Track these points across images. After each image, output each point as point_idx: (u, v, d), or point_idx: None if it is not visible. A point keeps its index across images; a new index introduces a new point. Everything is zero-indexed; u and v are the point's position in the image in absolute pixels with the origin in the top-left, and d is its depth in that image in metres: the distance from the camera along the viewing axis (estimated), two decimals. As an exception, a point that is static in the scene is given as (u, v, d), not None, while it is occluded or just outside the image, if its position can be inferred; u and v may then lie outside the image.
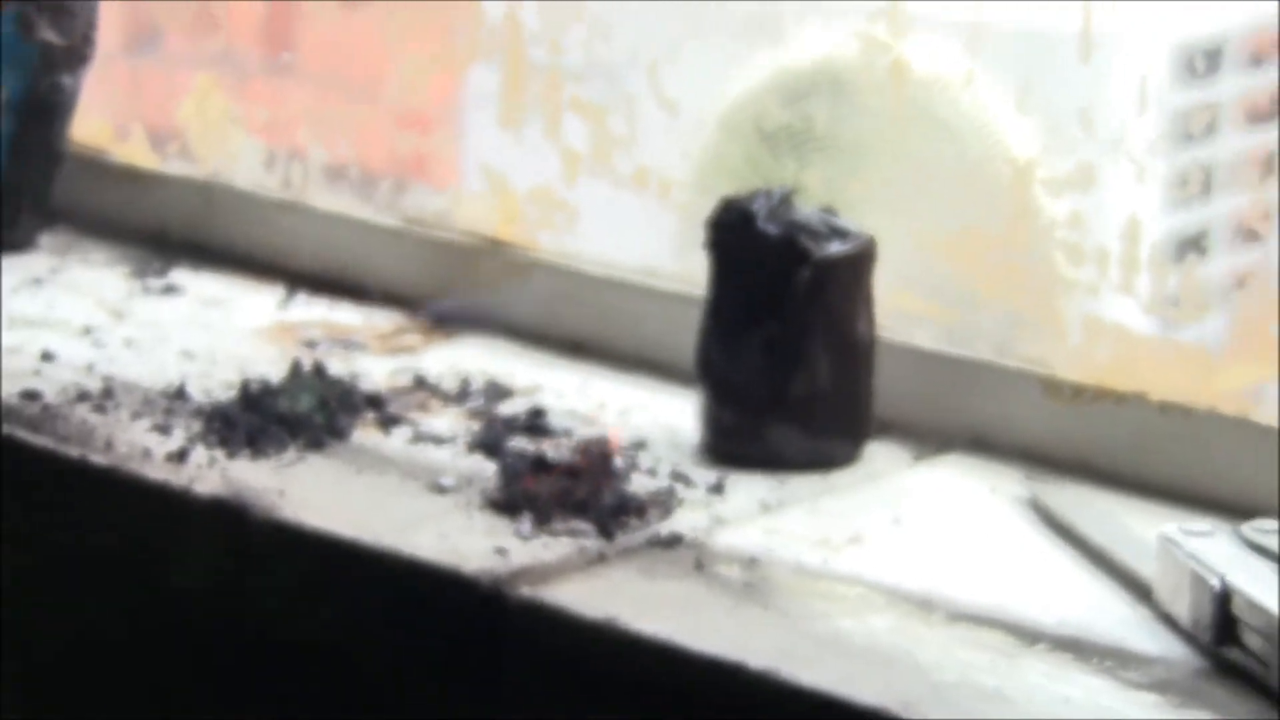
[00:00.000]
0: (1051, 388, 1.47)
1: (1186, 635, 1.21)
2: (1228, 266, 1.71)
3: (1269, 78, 1.82)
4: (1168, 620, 1.23)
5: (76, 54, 1.85)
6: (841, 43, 1.76)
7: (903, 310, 1.53)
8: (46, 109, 1.85)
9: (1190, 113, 1.75)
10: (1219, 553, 1.20)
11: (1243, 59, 1.81)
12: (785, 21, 1.84)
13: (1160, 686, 1.17)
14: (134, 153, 1.92)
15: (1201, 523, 1.24)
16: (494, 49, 1.82)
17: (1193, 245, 1.67)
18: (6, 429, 1.50)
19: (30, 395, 1.54)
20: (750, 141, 1.90)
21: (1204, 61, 1.77)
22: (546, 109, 1.78)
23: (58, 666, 1.54)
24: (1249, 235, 1.68)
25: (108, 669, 1.51)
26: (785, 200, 1.48)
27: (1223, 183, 1.72)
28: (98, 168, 1.91)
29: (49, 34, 1.84)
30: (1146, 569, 1.26)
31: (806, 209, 1.48)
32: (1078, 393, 1.46)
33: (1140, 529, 1.31)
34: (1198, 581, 1.19)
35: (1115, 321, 1.52)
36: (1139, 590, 1.26)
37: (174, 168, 1.91)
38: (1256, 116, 1.79)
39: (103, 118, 1.92)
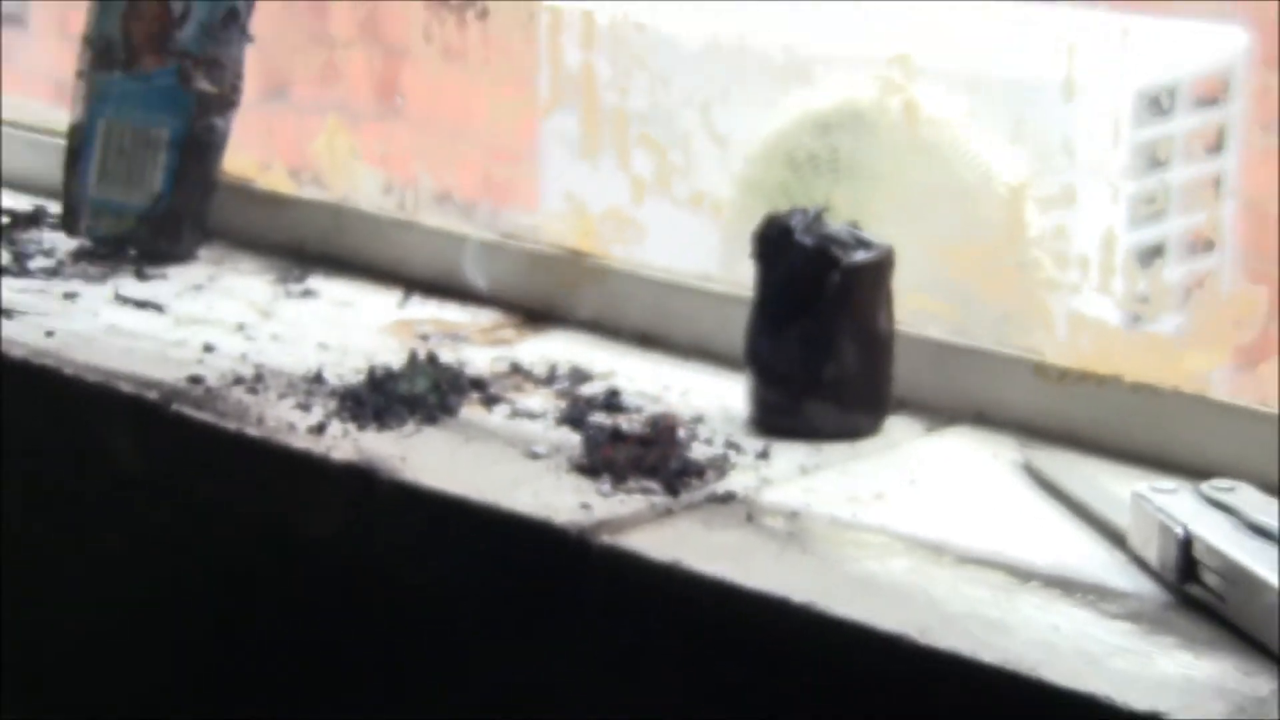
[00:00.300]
0: (1041, 371, 1.46)
1: (1155, 575, 1.21)
2: (1187, 270, 1.71)
3: (1217, 115, 1.82)
4: (1139, 563, 1.23)
5: (226, 100, 1.85)
6: (862, 85, 1.76)
7: (917, 308, 1.52)
8: (203, 146, 1.85)
9: (1155, 144, 1.75)
10: (1182, 507, 1.20)
11: (1194, 100, 1.81)
12: (815, 67, 1.84)
13: (1134, 617, 1.17)
14: (275, 181, 1.91)
15: (1167, 482, 1.24)
16: (573, 94, 1.81)
17: (1157, 253, 1.67)
18: (176, 407, 1.50)
19: (195, 380, 1.55)
20: (784, 168, 1.89)
21: (1166, 102, 1.77)
22: (617, 143, 1.78)
23: (219, 610, 1.55)
24: (1205, 245, 1.68)
25: (257, 611, 1.52)
26: (818, 217, 1.47)
27: (1181, 202, 1.72)
28: (245, 194, 1.91)
29: (203, 84, 1.83)
30: (1122, 520, 1.26)
31: (836, 224, 1.47)
32: (1063, 375, 1.45)
33: (1116, 488, 1.31)
34: (1165, 530, 1.19)
35: (1094, 316, 1.50)
36: (1115, 538, 1.26)
37: (308, 193, 1.90)
38: (1208, 147, 1.79)
39: (248, 153, 1.91)
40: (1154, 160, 1.75)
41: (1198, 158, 1.82)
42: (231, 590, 1.53)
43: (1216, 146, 1.83)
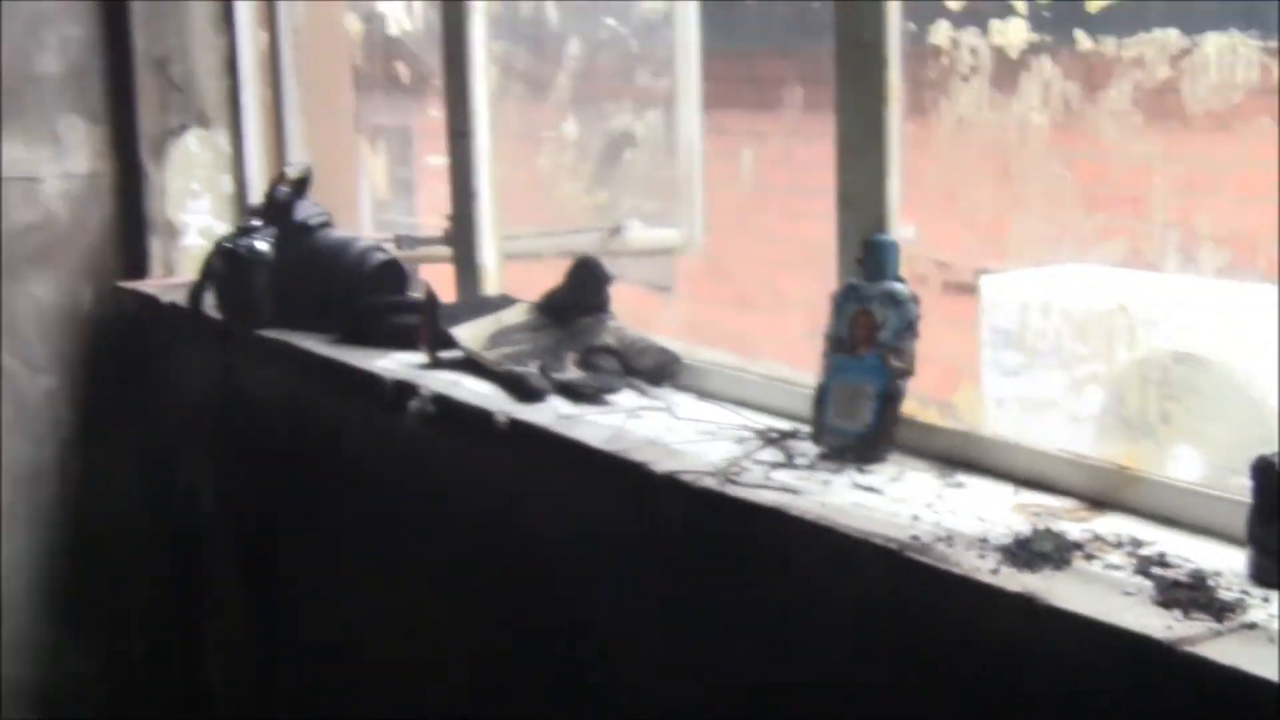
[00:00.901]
0: None
1: None
2: None
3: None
4: None
5: (906, 371, 1.95)
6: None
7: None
8: (893, 398, 1.92)
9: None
10: None
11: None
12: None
13: None
14: (930, 416, 1.96)
15: None
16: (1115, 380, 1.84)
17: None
18: (906, 554, 1.58)
19: (914, 537, 1.63)
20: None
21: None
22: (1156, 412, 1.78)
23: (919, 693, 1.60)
24: None
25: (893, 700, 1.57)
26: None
27: None
28: (914, 424, 1.96)
29: (894, 363, 1.92)
30: None
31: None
32: None
33: None
34: None
35: None
36: None
37: (947, 423, 1.94)
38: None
39: (915, 399, 1.96)
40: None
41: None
42: (912, 675, 1.58)
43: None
